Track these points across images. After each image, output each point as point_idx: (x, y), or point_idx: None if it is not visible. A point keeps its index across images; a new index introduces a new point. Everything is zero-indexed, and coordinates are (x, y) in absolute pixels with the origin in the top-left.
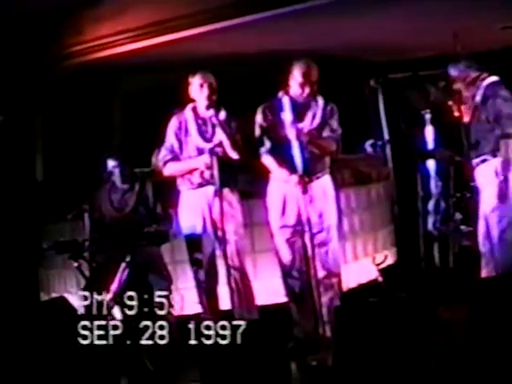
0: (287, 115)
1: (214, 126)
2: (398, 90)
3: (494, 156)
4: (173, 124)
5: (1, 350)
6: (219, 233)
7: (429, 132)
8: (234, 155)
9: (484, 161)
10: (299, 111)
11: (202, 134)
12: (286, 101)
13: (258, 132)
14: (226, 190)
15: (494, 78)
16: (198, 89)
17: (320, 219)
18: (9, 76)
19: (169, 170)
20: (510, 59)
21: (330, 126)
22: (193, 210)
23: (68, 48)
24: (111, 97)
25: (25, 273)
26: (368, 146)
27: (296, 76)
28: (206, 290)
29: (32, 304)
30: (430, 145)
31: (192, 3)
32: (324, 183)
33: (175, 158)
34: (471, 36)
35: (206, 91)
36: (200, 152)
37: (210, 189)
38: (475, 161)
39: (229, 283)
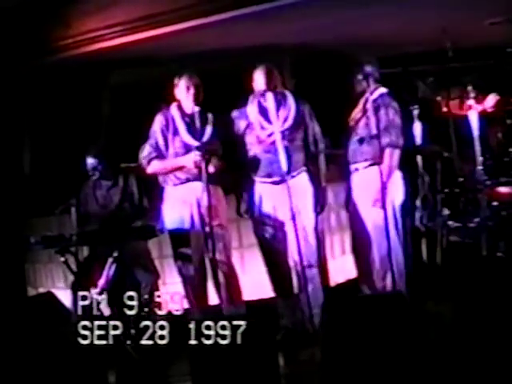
0: (255, 119)
1: (202, 124)
2: (386, 85)
3: (375, 164)
4: (158, 121)
5: None
6: (206, 228)
7: (417, 127)
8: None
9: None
10: (266, 113)
11: (190, 131)
12: (254, 104)
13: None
14: (211, 186)
15: (384, 89)
16: (184, 91)
17: (298, 216)
18: None
19: (153, 167)
20: (497, 55)
21: (306, 126)
22: (179, 205)
23: (56, 41)
24: (99, 91)
25: (11, 267)
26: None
27: (258, 81)
28: (194, 285)
29: (19, 299)
30: (418, 140)
31: None
32: (300, 181)
33: (160, 155)
34: (459, 32)
35: (192, 93)
36: (187, 149)
37: (197, 184)
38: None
39: (215, 278)
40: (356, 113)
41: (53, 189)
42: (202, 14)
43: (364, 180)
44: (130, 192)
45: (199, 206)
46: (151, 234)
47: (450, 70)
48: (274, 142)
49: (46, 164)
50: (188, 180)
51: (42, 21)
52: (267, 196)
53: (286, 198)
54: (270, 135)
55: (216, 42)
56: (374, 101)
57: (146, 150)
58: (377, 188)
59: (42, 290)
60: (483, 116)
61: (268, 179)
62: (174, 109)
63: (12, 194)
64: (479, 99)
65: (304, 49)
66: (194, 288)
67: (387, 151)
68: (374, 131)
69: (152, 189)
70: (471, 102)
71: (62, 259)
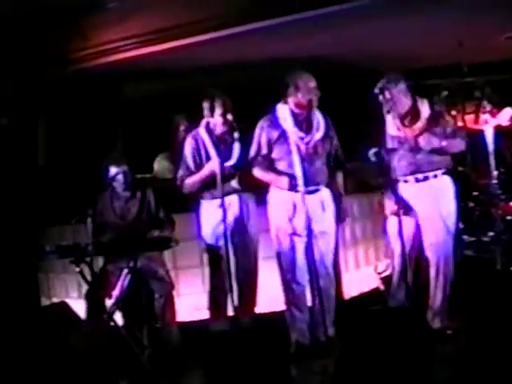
0: (290, 128)
1: (230, 143)
2: None
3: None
4: (189, 144)
5: (1, 354)
6: (238, 239)
7: None
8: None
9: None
10: (301, 124)
11: (219, 153)
12: (287, 113)
13: (255, 146)
14: (244, 197)
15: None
16: (211, 110)
17: (319, 228)
18: (14, 80)
19: (186, 186)
20: None
21: (330, 137)
22: (213, 218)
23: (72, 53)
24: (114, 102)
25: (25, 277)
26: (372, 154)
27: (300, 88)
28: (221, 295)
29: (32, 308)
30: None
31: (196, 10)
32: (323, 195)
33: (191, 174)
34: (475, 46)
35: (219, 113)
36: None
37: (231, 198)
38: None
39: (240, 290)
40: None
41: (68, 198)
42: (218, 27)
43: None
44: (148, 203)
45: (233, 217)
46: (166, 245)
47: (465, 84)
48: (312, 152)
49: (61, 174)
50: (223, 194)
51: (60, 32)
52: (290, 206)
53: (317, 209)
54: (307, 144)
55: (232, 56)
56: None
57: (180, 172)
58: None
59: (55, 299)
60: (498, 130)
61: (302, 189)
62: (202, 130)
63: (27, 204)
64: (494, 113)
65: (320, 62)
66: (221, 298)
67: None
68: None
69: (168, 200)
70: (486, 116)
71: (77, 269)
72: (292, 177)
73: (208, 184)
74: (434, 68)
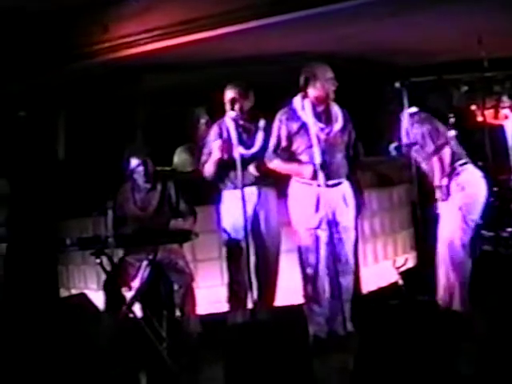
0: (310, 119)
1: (253, 134)
2: (422, 94)
3: None
4: (214, 131)
5: (21, 345)
6: (258, 231)
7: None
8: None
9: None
10: (321, 115)
11: (242, 142)
12: (307, 105)
13: (275, 139)
14: (265, 190)
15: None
16: (232, 101)
17: (341, 221)
18: (34, 72)
19: (204, 172)
20: None
21: (348, 130)
22: (234, 208)
23: (93, 45)
24: (135, 94)
25: (44, 268)
26: (392, 148)
27: (318, 79)
28: (241, 288)
29: (52, 300)
30: None
31: (217, 3)
32: (344, 189)
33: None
34: (495, 40)
35: (240, 104)
36: (241, 158)
37: (252, 189)
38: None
39: (259, 282)
40: None
41: (88, 191)
42: (237, 20)
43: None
44: (168, 195)
45: (253, 209)
46: (186, 238)
47: (485, 79)
48: (332, 143)
49: (82, 166)
50: (244, 185)
51: (80, 25)
52: (312, 198)
53: (338, 203)
54: (327, 134)
55: (248, 49)
56: None
57: (203, 157)
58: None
59: (74, 291)
60: None
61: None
62: (228, 119)
63: (47, 196)
64: None
65: (337, 57)
66: (240, 291)
67: None
68: None
69: (188, 192)
70: (506, 111)
71: (98, 261)
72: (314, 165)
73: (228, 172)
74: (454, 63)
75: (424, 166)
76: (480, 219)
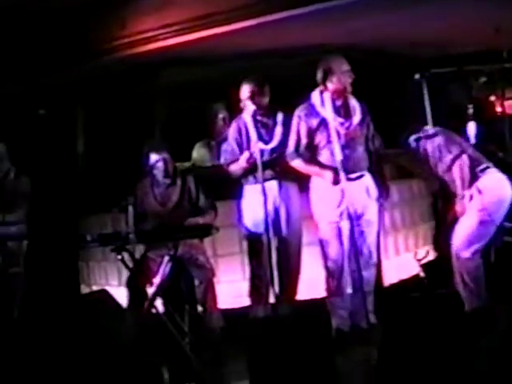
0: (329, 114)
1: (272, 128)
2: (441, 85)
3: None
4: (233, 129)
5: (43, 342)
6: (280, 225)
7: (471, 127)
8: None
9: None
10: (339, 109)
11: (261, 137)
12: (325, 100)
13: (295, 136)
14: (286, 184)
15: None
16: (248, 97)
17: (363, 215)
18: (52, 70)
19: (231, 172)
20: None
21: (367, 123)
22: (255, 203)
23: (112, 41)
24: (153, 90)
25: (65, 265)
26: (412, 140)
27: (335, 72)
28: (262, 283)
29: (73, 296)
30: (473, 139)
31: None
32: (366, 181)
33: (236, 160)
34: None
35: (257, 99)
36: (261, 153)
37: (273, 183)
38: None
39: (281, 276)
40: None
41: (107, 187)
42: (255, 14)
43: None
44: (188, 190)
45: (273, 203)
46: (207, 233)
47: (504, 70)
48: (352, 137)
49: (100, 162)
50: (264, 179)
51: (98, 21)
52: (333, 192)
53: (361, 196)
54: (347, 129)
55: (266, 43)
56: None
57: (225, 155)
58: None
59: (95, 287)
60: None
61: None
62: (246, 115)
63: (67, 192)
64: None
65: (356, 49)
66: (262, 286)
67: None
68: None
69: (208, 187)
70: None
71: (119, 257)
72: (336, 171)
73: (251, 168)
74: (473, 54)
75: (445, 178)
76: (505, 220)
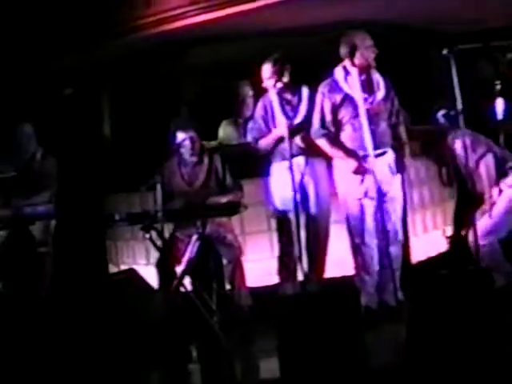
0: (353, 89)
1: (297, 105)
2: (469, 61)
3: None
4: (259, 108)
5: (72, 321)
6: (308, 201)
7: (499, 103)
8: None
9: None
10: (363, 85)
11: (286, 114)
12: (353, 74)
13: (319, 113)
14: (312, 160)
15: None
16: (271, 76)
17: (387, 191)
18: (78, 49)
19: (260, 149)
20: None
21: (391, 98)
22: (283, 180)
23: (137, 19)
24: (179, 69)
25: (93, 244)
26: (441, 116)
27: (358, 47)
28: (291, 260)
29: (101, 276)
30: (500, 116)
31: None
32: (390, 158)
33: (264, 137)
34: None
35: (279, 77)
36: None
37: (300, 159)
38: None
39: (310, 254)
40: None
41: (134, 166)
42: None
43: None
44: (215, 169)
45: (301, 180)
46: (235, 211)
47: None
48: (376, 113)
49: (127, 141)
50: (291, 155)
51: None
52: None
53: (385, 172)
54: (371, 104)
55: (290, 20)
56: None
57: (253, 132)
58: None
59: (123, 266)
60: None
61: (369, 153)
62: (272, 93)
63: (95, 172)
64: None
65: (378, 24)
66: (290, 263)
67: None
68: None
69: (235, 165)
70: None
71: (147, 236)
72: (360, 159)
73: (278, 145)
74: (500, 29)
75: (473, 177)
76: None
